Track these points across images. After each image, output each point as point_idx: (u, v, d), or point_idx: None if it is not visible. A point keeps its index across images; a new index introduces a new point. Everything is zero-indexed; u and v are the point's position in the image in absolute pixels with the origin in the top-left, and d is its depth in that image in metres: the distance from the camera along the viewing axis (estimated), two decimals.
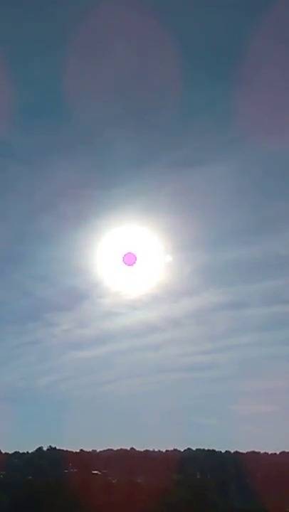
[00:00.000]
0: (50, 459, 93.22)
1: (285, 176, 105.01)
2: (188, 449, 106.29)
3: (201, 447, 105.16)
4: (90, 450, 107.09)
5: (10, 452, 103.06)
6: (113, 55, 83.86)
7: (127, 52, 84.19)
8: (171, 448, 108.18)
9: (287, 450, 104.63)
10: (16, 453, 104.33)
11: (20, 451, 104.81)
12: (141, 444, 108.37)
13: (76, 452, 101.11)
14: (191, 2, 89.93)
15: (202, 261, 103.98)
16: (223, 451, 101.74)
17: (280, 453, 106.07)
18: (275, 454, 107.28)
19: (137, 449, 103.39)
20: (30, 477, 74.19)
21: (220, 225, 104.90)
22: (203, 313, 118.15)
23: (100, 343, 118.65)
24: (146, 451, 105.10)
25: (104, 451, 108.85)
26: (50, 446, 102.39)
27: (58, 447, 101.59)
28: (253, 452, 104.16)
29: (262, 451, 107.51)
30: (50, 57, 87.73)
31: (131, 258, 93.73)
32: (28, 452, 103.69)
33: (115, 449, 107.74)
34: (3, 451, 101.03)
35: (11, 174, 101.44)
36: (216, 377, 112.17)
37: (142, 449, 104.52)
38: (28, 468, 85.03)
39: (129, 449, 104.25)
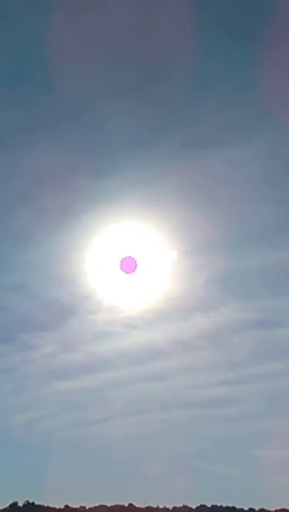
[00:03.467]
0: None
1: None
2: (202, 505, 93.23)
3: (218, 503, 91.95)
4: (78, 506, 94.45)
5: None
6: (108, 8, 74.30)
7: (126, 4, 74.33)
8: (180, 504, 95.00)
9: None
10: None
11: None
12: (142, 499, 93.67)
13: (60, 509, 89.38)
14: None
15: (220, 268, 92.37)
16: (245, 508, 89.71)
17: None
18: None
19: (137, 506, 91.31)
20: None
21: (242, 223, 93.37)
22: (221, 334, 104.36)
23: (90, 371, 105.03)
24: (149, 508, 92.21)
25: (95, 507, 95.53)
26: (27, 501, 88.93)
27: (36, 502, 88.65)
28: (284, 510, 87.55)
29: None
30: (29, 11, 78.01)
31: (130, 264, 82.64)
32: None
33: (109, 505, 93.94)
34: None
35: None
36: (237, 415, 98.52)
37: (144, 506, 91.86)
38: None
39: (126, 505, 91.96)
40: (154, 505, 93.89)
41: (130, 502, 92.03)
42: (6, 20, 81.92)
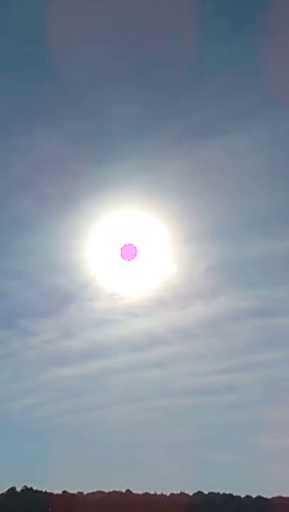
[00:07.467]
0: (25, 503, 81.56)
1: None
2: (199, 492, 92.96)
3: (216, 490, 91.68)
4: (76, 492, 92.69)
5: None
6: None
7: None
8: (177, 491, 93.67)
9: None
10: None
11: None
12: (139, 486, 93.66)
13: (58, 494, 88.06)
14: None
15: (219, 256, 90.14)
16: (242, 495, 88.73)
17: None
18: None
19: (135, 492, 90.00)
20: None
21: (242, 211, 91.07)
22: (221, 322, 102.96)
23: (89, 357, 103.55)
24: (146, 494, 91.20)
25: (93, 493, 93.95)
26: (25, 486, 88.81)
27: (34, 488, 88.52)
28: (280, 498, 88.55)
29: None
30: None
31: (130, 251, 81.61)
32: None
33: (107, 491, 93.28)
34: None
35: None
36: (235, 402, 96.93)
37: (141, 492, 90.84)
38: None
39: (124, 491, 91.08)
40: (152, 492, 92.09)
41: (128, 488, 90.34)
42: (7, 6, 79.89)
